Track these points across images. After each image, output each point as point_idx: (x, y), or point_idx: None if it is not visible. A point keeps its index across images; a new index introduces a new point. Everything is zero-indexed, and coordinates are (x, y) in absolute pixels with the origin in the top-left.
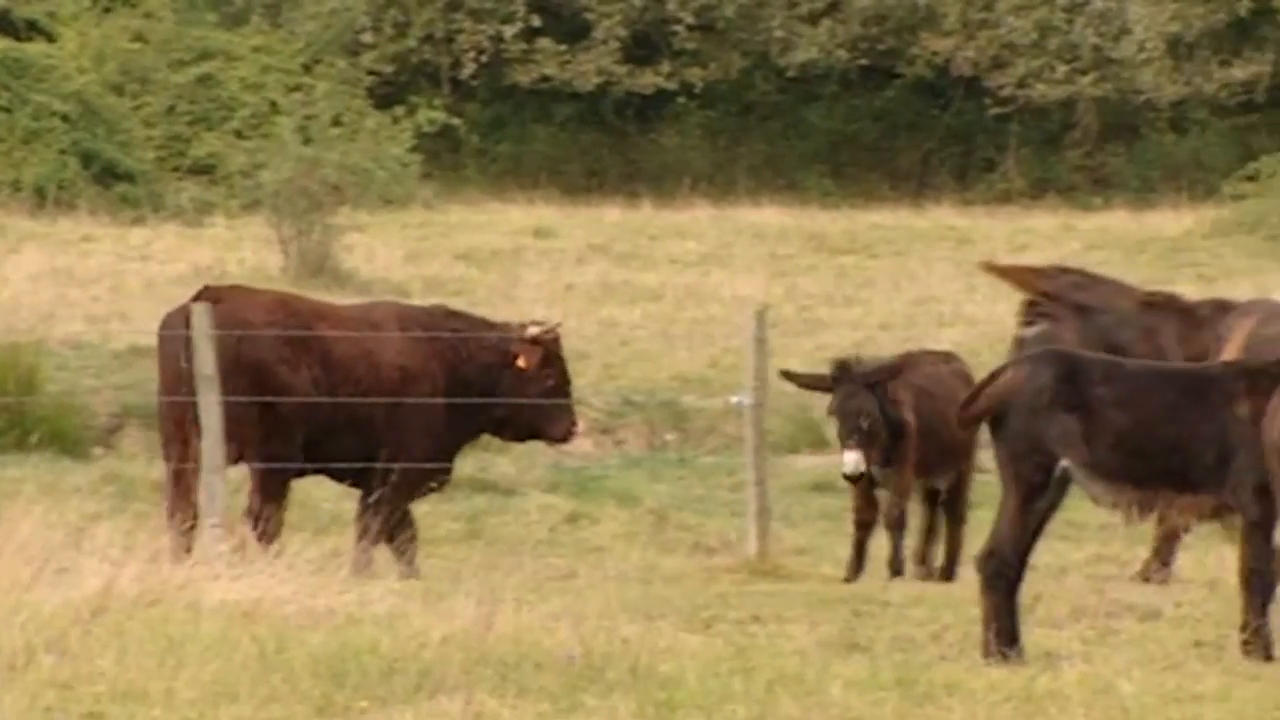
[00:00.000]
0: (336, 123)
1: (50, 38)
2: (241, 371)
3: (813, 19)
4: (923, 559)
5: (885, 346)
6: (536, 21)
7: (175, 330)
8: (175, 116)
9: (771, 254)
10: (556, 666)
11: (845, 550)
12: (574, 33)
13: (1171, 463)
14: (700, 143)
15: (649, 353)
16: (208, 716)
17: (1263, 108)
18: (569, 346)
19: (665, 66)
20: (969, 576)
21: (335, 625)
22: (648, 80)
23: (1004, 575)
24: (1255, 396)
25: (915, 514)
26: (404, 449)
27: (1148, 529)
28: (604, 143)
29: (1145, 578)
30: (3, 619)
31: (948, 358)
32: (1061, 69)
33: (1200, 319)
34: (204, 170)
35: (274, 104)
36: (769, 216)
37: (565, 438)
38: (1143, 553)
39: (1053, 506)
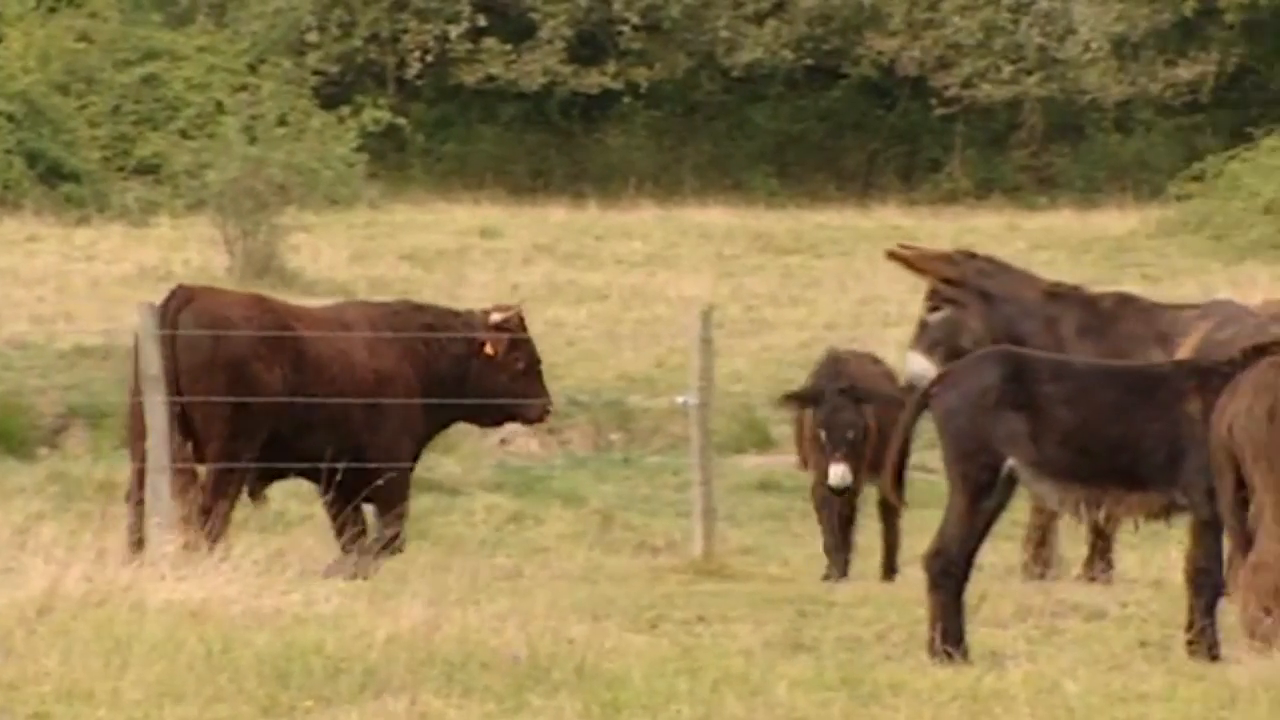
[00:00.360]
0: (282, 122)
1: None
2: (219, 368)
3: (758, 19)
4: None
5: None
6: (482, 21)
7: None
8: (120, 116)
9: (717, 254)
10: (502, 666)
11: (791, 550)
12: (519, 32)
13: (1120, 461)
14: (646, 143)
15: (595, 353)
16: (153, 717)
17: (1207, 108)
18: None
19: (611, 66)
20: (914, 576)
21: (281, 625)
22: (593, 80)
23: (951, 575)
24: (1206, 395)
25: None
26: (384, 450)
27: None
28: (549, 143)
29: (1090, 577)
30: None
31: (874, 360)
32: (1007, 69)
33: (1102, 311)
34: (149, 170)
35: (219, 104)
36: (715, 216)
37: (540, 418)
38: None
39: (1000, 506)
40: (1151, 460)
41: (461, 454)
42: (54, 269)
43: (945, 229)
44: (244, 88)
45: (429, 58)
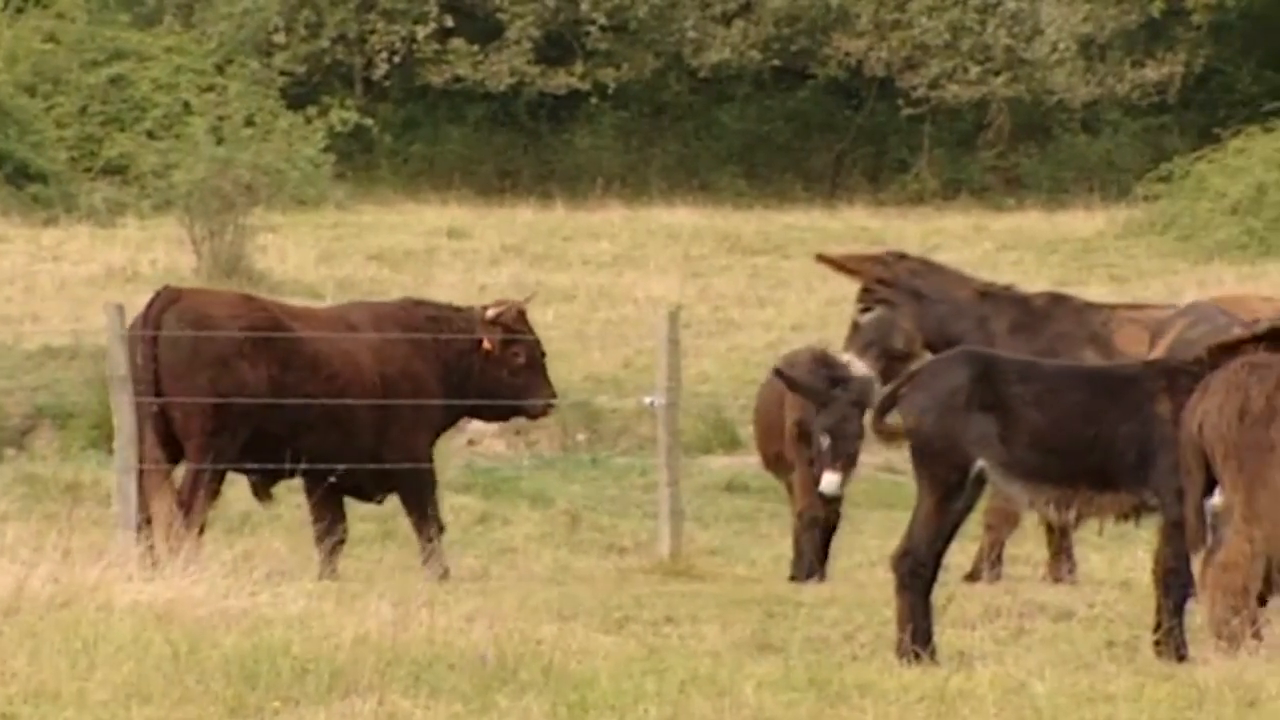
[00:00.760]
0: (249, 123)
1: None
2: (201, 366)
3: (725, 20)
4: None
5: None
6: (449, 22)
7: (137, 331)
8: (88, 117)
9: (685, 255)
10: (470, 667)
11: (758, 551)
12: (487, 33)
13: (1090, 461)
14: (613, 143)
15: (562, 353)
16: (120, 717)
17: (1174, 108)
18: None
19: (578, 67)
20: (882, 577)
21: (248, 626)
22: (560, 81)
23: (919, 575)
24: (1176, 395)
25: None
26: (401, 448)
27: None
28: (517, 143)
29: (1056, 578)
30: None
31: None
32: (974, 70)
33: (1034, 310)
34: (116, 171)
35: (187, 104)
36: (682, 217)
37: (544, 413)
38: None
39: (969, 507)
40: (1122, 461)
41: None
42: (21, 269)
43: (912, 230)
44: (211, 88)
45: (396, 58)
